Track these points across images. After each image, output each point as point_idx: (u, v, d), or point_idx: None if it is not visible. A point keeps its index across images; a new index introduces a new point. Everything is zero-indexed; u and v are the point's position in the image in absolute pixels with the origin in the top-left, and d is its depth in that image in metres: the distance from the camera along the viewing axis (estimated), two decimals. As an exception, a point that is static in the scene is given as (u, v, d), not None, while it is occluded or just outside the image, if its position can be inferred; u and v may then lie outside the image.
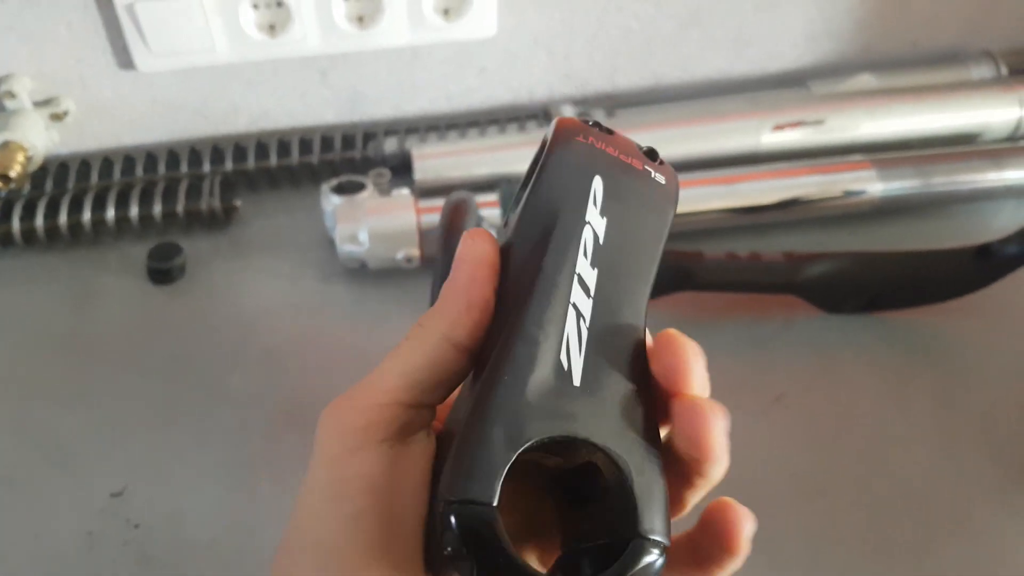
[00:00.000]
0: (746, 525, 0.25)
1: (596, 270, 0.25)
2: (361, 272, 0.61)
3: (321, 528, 0.24)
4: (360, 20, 0.64)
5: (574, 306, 0.24)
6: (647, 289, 0.26)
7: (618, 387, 0.24)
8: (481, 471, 0.22)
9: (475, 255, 0.25)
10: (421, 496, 0.25)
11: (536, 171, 0.26)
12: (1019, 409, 0.53)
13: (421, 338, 0.26)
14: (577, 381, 0.24)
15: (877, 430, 0.52)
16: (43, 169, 0.66)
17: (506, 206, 0.58)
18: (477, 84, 0.70)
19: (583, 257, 0.25)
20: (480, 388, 0.23)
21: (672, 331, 0.25)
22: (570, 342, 0.24)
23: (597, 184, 0.26)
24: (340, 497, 0.24)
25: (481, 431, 0.22)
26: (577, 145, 0.26)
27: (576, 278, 0.25)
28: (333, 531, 0.24)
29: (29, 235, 0.63)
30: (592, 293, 0.25)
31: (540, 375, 0.23)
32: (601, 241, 0.25)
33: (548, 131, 0.27)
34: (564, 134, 0.26)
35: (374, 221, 0.59)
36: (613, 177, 0.26)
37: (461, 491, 0.22)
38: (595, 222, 0.25)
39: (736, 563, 0.25)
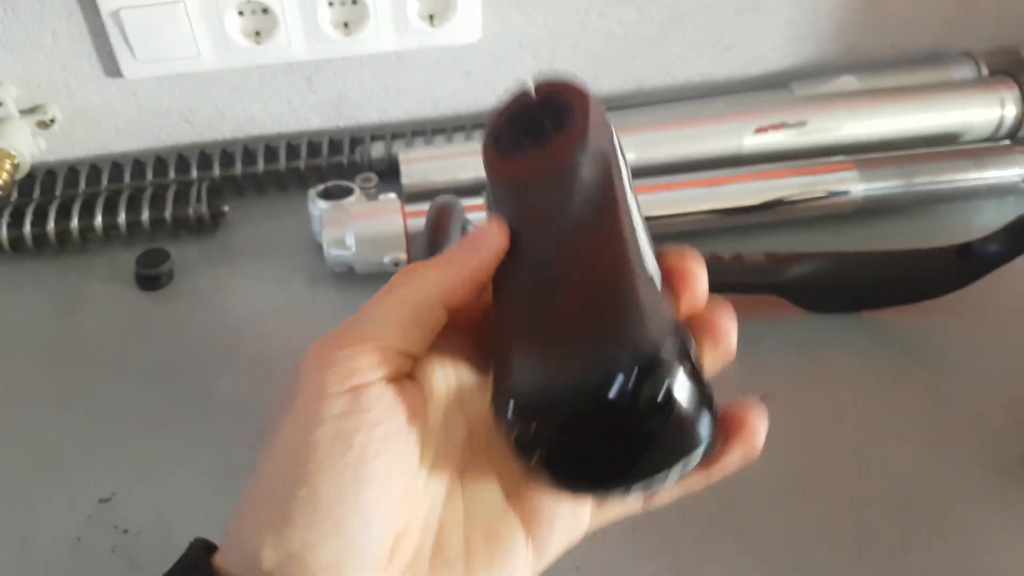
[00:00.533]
0: (763, 423, 0.28)
1: (637, 199, 0.29)
2: (348, 276, 0.61)
3: (326, 473, 0.24)
4: (345, 26, 0.64)
5: (641, 227, 0.28)
6: None
7: (665, 288, 0.28)
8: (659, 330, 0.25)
9: (493, 245, 0.28)
10: (421, 427, 0.26)
11: (582, 128, 0.28)
12: (1005, 406, 0.53)
13: (412, 290, 0.28)
14: (659, 285, 0.27)
15: (864, 429, 0.52)
16: (30, 176, 0.66)
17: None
18: (463, 88, 0.71)
19: (632, 189, 0.29)
20: (611, 291, 0.26)
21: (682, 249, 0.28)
22: (646, 254, 0.27)
23: (616, 137, 0.30)
24: (348, 434, 0.25)
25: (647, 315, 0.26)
26: (599, 105, 0.29)
27: (637, 205, 0.29)
28: (339, 475, 0.24)
29: (17, 242, 0.63)
30: (642, 216, 0.29)
31: (648, 280, 0.27)
32: (631, 180, 0.30)
33: (549, 87, 0.30)
34: (586, 95, 0.29)
35: (361, 225, 0.59)
36: (615, 132, 0.30)
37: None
38: (624, 166, 0.29)
39: (748, 460, 0.28)
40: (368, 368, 0.26)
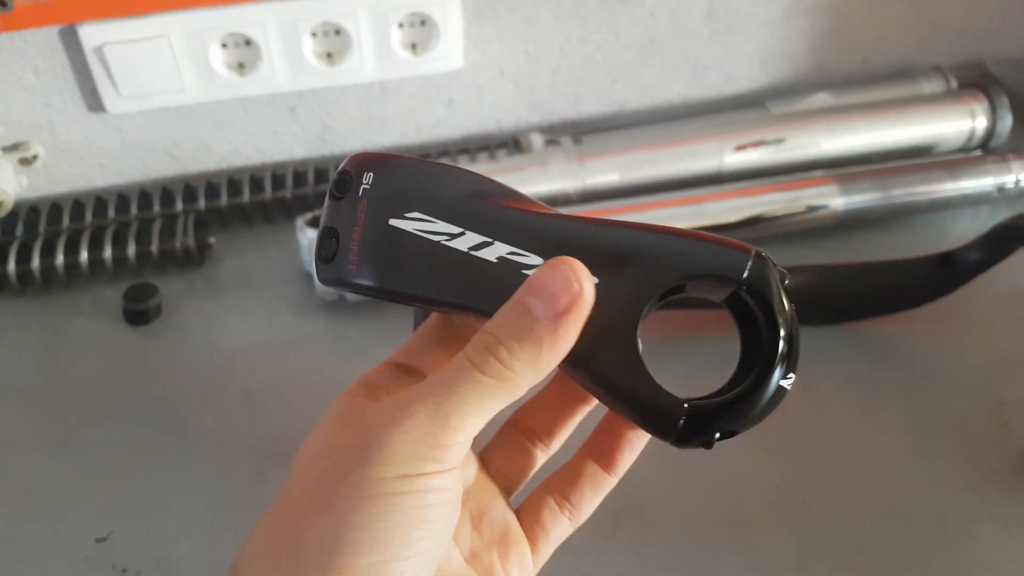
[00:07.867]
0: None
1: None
2: (339, 305, 0.62)
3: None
4: (329, 56, 0.64)
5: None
6: None
7: None
8: None
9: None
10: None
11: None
12: (991, 410, 0.54)
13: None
14: None
15: (855, 439, 0.53)
16: (13, 214, 0.66)
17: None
18: (446, 116, 0.72)
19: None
20: None
21: None
22: None
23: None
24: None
25: None
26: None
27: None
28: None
29: (1, 281, 0.63)
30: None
31: None
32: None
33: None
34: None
35: (350, 254, 0.59)
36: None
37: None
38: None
39: None
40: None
